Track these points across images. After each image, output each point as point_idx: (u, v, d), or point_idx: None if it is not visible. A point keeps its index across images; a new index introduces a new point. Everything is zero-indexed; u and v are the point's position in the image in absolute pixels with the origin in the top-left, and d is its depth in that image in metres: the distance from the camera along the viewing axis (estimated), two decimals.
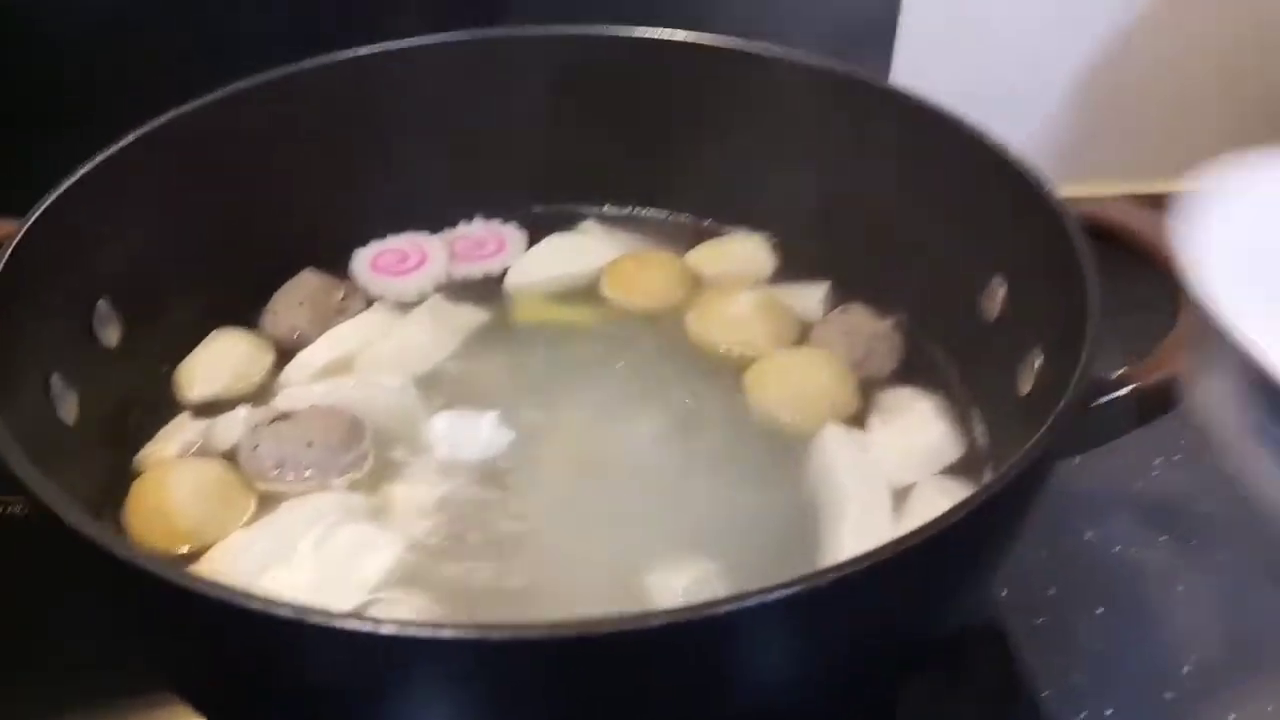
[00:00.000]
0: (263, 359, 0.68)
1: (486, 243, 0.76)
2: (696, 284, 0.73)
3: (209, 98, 0.66)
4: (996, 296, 0.64)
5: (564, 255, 0.75)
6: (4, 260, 0.56)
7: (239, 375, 0.67)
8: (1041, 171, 0.61)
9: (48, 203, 0.59)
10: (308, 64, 0.69)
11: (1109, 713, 0.66)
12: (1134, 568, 0.74)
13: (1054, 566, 0.71)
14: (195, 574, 0.41)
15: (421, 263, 0.74)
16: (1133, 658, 0.69)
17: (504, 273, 0.74)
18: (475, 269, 0.75)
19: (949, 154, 0.65)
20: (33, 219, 0.58)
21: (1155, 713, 0.66)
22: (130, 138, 0.63)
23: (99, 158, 0.62)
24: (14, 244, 0.56)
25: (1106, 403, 0.52)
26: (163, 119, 0.65)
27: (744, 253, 0.75)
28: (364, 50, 0.70)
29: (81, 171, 0.61)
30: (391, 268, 0.74)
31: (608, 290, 0.73)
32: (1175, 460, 0.79)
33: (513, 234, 0.76)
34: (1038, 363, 0.58)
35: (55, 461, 0.52)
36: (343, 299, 0.71)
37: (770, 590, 0.38)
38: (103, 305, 0.63)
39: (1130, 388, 0.53)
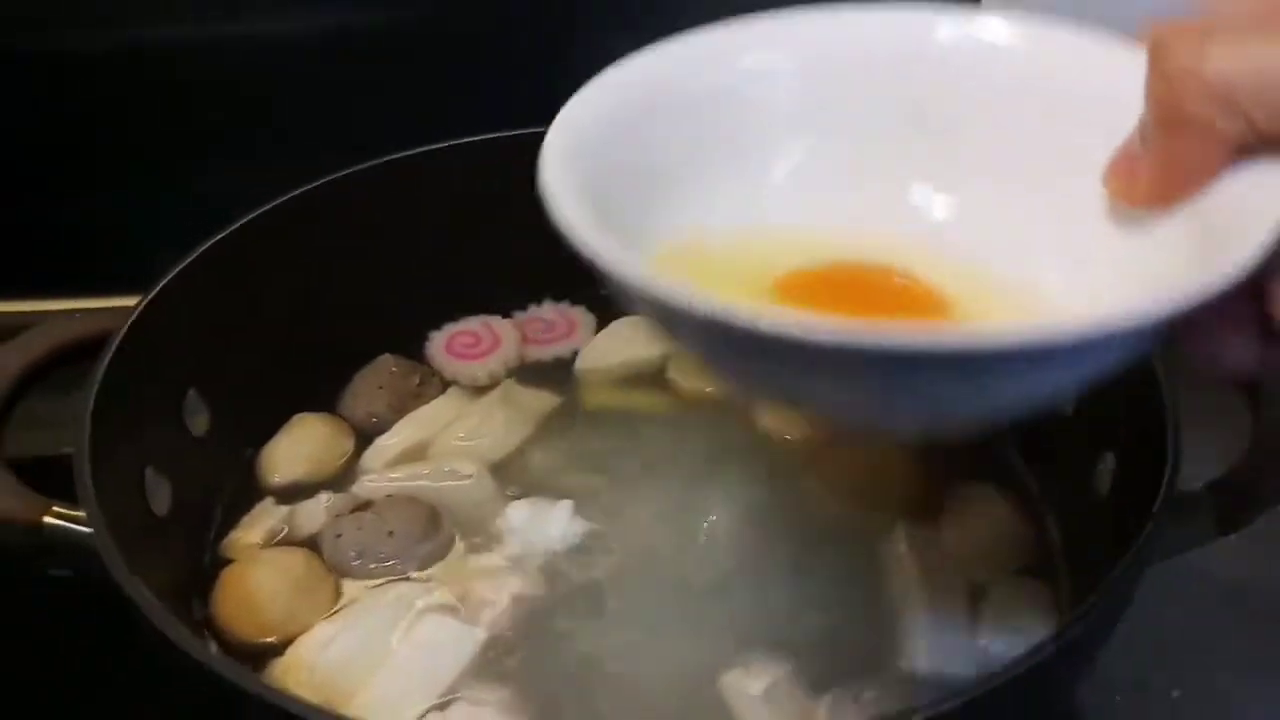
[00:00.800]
0: (343, 444, 0.70)
1: (556, 325, 0.77)
2: None
3: (293, 193, 0.68)
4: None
5: (632, 340, 0.76)
6: (109, 357, 0.58)
7: (320, 461, 0.69)
8: None
9: (147, 299, 0.61)
10: (385, 159, 0.71)
11: None
12: (1210, 649, 0.73)
13: (1130, 645, 0.70)
14: (285, 691, 0.42)
15: (495, 346, 0.75)
16: None
17: (574, 356, 0.75)
18: (546, 352, 0.76)
19: None
20: (133, 317, 0.60)
21: None
22: (224, 233, 0.66)
23: (195, 253, 0.64)
24: (117, 341, 0.59)
25: (1186, 516, 0.52)
26: (255, 213, 0.67)
27: None
28: (439, 145, 0.72)
29: (178, 268, 0.63)
30: (465, 351, 0.75)
31: (674, 374, 0.73)
32: (1255, 540, 0.77)
33: (582, 317, 0.78)
34: (1111, 467, 0.58)
35: (146, 553, 0.54)
36: (419, 383, 0.73)
37: None
38: (192, 395, 0.65)
39: (1211, 502, 0.52)
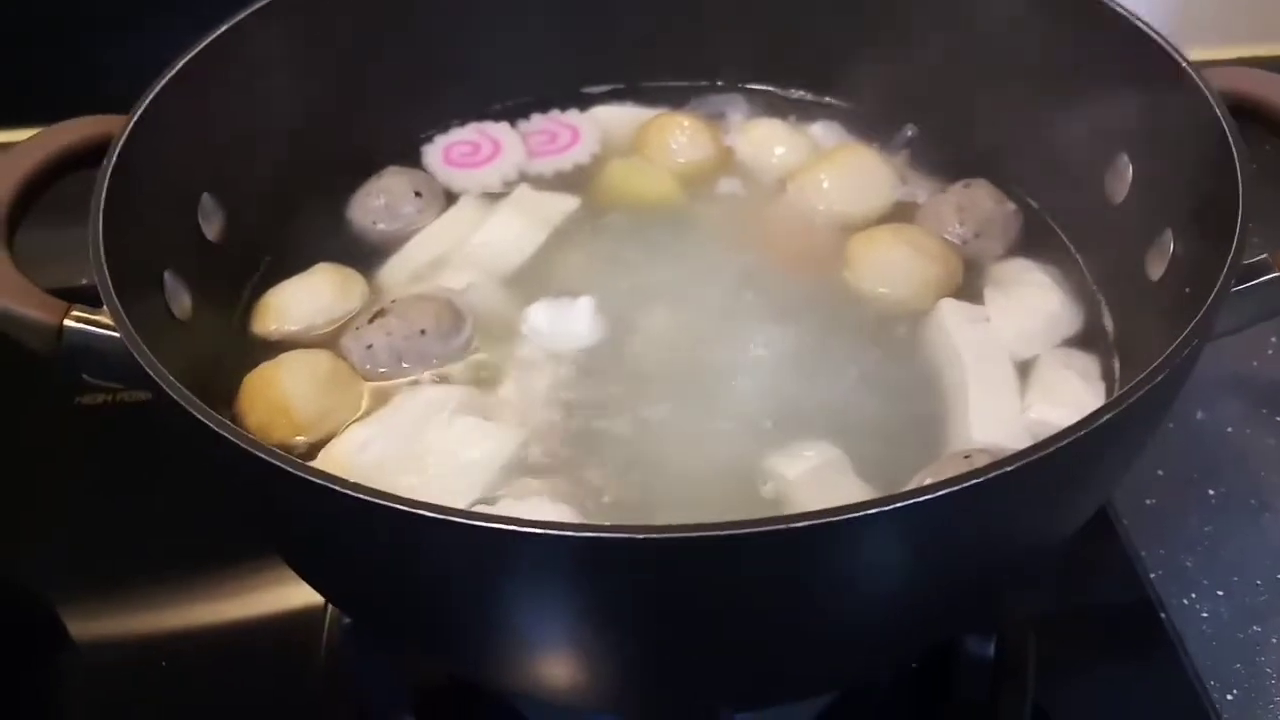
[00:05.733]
0: (351, 298, 0.65)
1: (559, 135, 0.74)
2: (723, 150, 0.72)
3: None
4: (1124, 176, 0.61)
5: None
6: (114, 157, 0.55)
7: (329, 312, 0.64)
8: (1172, 42, 0.57)
9: (149, 98, 0.59)
10: None
11: (1220, 594, 0.65)
12: (1246, 449, 0.73)
13: (1164, 448, 0.70)
14: (336, 475, 0.41)
15: (496, 153, 0.72)
16: (1245, 540, 0.68)
17: (579, 167, 0.72)
18: (550, 164, 0.72)
19: (1071, 22, 0.62)
20: (136, 115, 0.57)
21: (1268, 595, 0.65)
22: (221, 29, 0.63)
23: (191, 52, 0.61)
24: (121, 141, 0.56)
25: (1250, 288, 0.50)
26: (245, 12, 0.64)
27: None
28: None
29: (177, 66, 0.60)
30: (465, 160, 0.72)
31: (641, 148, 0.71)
32: None
33: (585, 123, 0.74)
34: (1171, 246, 0.56)
35: (169, 357, 0.53)
36: (421, 193, 0.69)
37: (924, 491, 0.37)
38: (206, 199, 0.63)
39: (1274, 274, 0.50)
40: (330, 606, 0.63)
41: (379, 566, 0.44)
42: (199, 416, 0.44)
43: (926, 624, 0.49)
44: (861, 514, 0.36)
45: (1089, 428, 0.39)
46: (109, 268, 0.51)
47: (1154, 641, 0.63)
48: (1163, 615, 0.64)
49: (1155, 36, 0.58)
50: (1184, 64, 0.56)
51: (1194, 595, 0.66)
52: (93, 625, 0.67)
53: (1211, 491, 0.71)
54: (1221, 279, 0.45)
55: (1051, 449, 0.38)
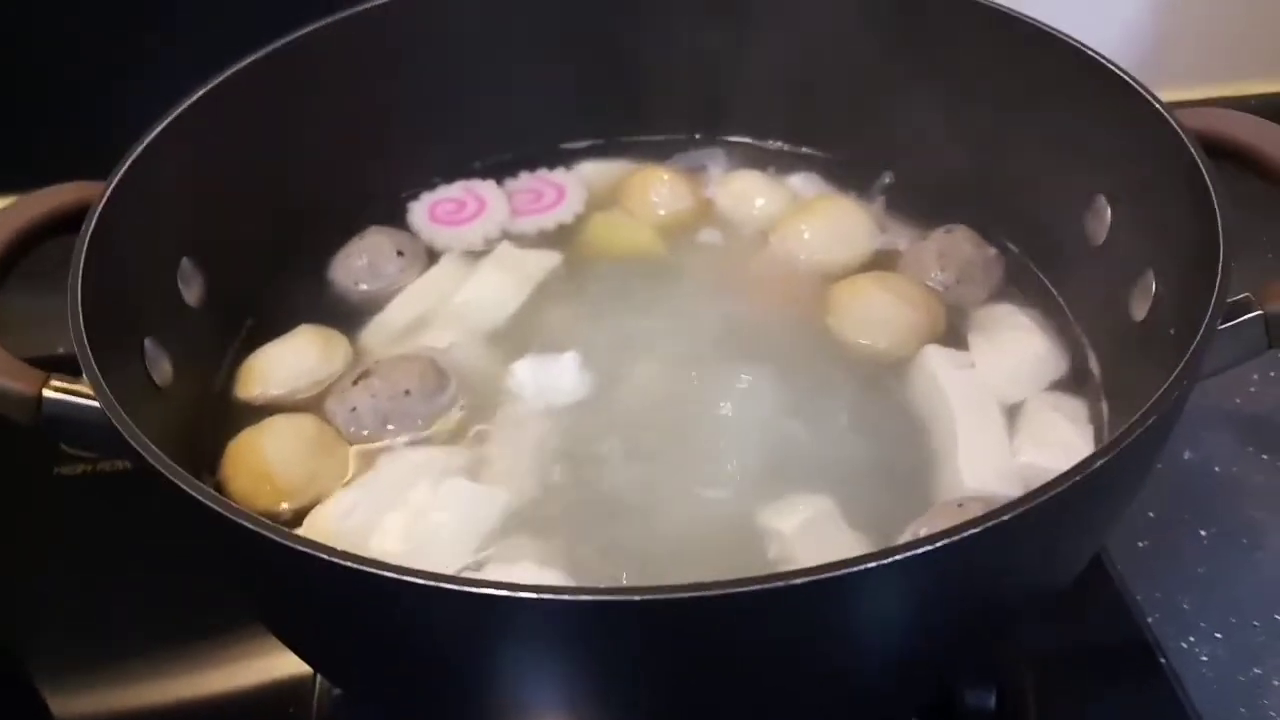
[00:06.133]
0: (334, 360, 0.64)
1: (544, 194, 0.74)
2: (704, 202, 0.73)
3: (266, 50, 0.65)
4: (1103, 218, 0.62)
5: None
6: (92, 225, 0.55)
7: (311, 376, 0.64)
8: (1146, 84, 0.58)
9: (127, 164, 0.58)
10: (360, 8, 0.68)
11: (1218, 636, 0.65)
12: (1236, 488, 0.72)
13: (1153, 489, 0.69)
14: (325, 544, 0.41)
15: (480, 210, 0.73)
16: (1240, 580, 0.67)
17: (564, 226, 0.72)
18: (534, 223, 0.72)
19: (1046, 66, 0.62)
20: (114, 181, 0.57)
21: (1266, 636, 0.65)
22: (197, 95, 0.63)
23: (168, 118, 0.61)
24: (99, 208, 0.56)
25: (1234, 327, 0.50)
26: (224, 75, 0.64)
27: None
28: None
29: (154, 133, 0.60)
30: (450, 217, 0.72)
31: (623, 201, 0.72)
32: (1274, 376, 0.77)
33: (571, 182, 0.74)
34: (1153, 287, 0.57)
35: (154, 426, 0.52)
36: (404, 253, 0.69)
37: (936, 539, 0.36)
38: (186, 264, 0.62)
39: (1257, 313, 0.50)
40: (320, 676, 0.62)
41: (367, 635, 0.43)
42: (182, 485, 0.43)
43: (926, 674, 0.49)
44: (860, 568, 0.35)
45: (1082, 474, 0.39)
46: (88, 337, 0.50)
47: (1155, 686, 0.62)
48: (1162, 660, 0.63)
49: (1130, 81, 0.59)
50: (1159, 106, 0.56)
51: (1192, 638, 0.65)
52: (74, 701, 0.66)
53: (1203, 532, 0.70)
54: (1207, 319, 0.45)
55: (1045, 497, 0.38)
